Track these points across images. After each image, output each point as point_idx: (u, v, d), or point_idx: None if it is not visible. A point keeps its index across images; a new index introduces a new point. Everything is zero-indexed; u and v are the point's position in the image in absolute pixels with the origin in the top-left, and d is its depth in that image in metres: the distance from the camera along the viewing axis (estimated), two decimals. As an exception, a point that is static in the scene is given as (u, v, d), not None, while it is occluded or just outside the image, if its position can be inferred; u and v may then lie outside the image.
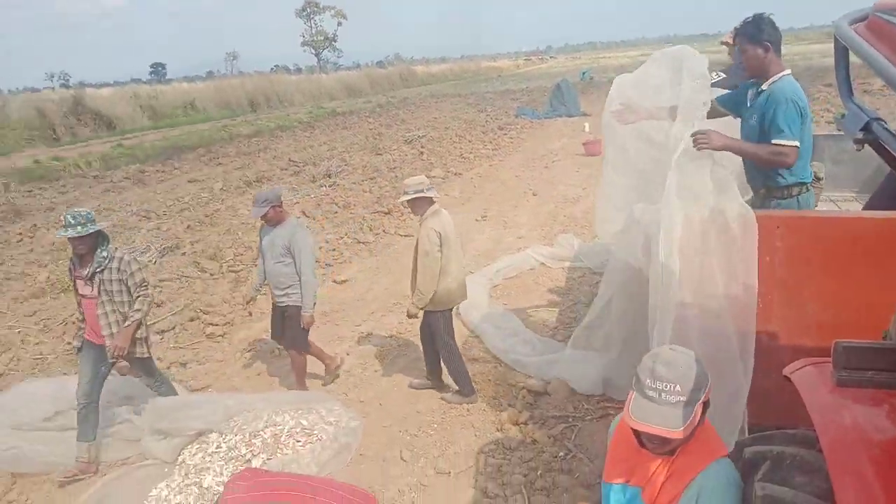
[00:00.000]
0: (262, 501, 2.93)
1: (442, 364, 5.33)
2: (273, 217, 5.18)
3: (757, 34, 3.66)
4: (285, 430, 4.59)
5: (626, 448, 2.14)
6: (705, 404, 1.95)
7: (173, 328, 7.20)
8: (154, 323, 7.34)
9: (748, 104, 3.91)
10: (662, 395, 1.88)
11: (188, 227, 11.67)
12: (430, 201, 4.95)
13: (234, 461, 4.33)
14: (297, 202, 12.53)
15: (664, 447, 1.98)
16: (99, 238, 4.50)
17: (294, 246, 5.10)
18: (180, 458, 4.56)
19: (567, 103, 25.54)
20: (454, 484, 4.26)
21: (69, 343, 6.95)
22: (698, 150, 3.42)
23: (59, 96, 32.97)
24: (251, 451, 4.41)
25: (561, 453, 4.40)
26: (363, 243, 10.00)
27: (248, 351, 6.53)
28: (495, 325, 6.48)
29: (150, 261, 9.53)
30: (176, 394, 5.17)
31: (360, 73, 63.70)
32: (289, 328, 5.33)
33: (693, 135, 3.44)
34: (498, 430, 4.80)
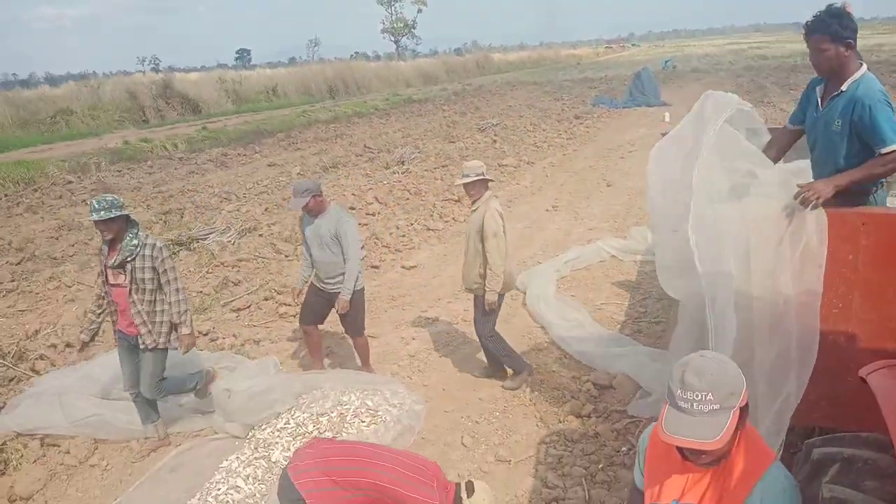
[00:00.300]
0: (327, 466, 3.04)
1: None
2: (314, 207, 5.15)
3: (840, 31, 3.29)
4: (351, 410, 4.70)
5: (668, 462, 2.04)
6: (743, 409, 1.85)
7: (249, 307, 7.46)
8: (231, 301, 7.63)
9: (818, 105, 3.58)
10: (695, 405, 1.79)
11: (266, 209, 12.03)
12: (487, 185, 5.06)
13: (301, 437, 4.47)
14: (371, 188, 12.71)
15: (707, 458, 1.89)
16: (127, 225, 4.44)
17: (340, 232, 5.12)
18: (250, 434, 4.75)
19: (647, 92, 24.97)
20: (514, 472, 4.28)
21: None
22: (812, 208, 3.11)
23: (150, 80, 34.36)
24: (318, 428, 4.55)
25: (624, 448, 4.34)
26: (432, 230, 10.08)
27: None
28: (561, 315, 6.44)
29: (229, 241, 9.89)
30: (180, 390, 5.04)
31: (437, 60, 63.93)
32: (345, 315, 5.37)
33: (797, 195, 3.16)
34: (560, 422, 4.78)
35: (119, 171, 17.61)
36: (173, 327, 4.69)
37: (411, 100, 35.51)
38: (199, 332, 6.69)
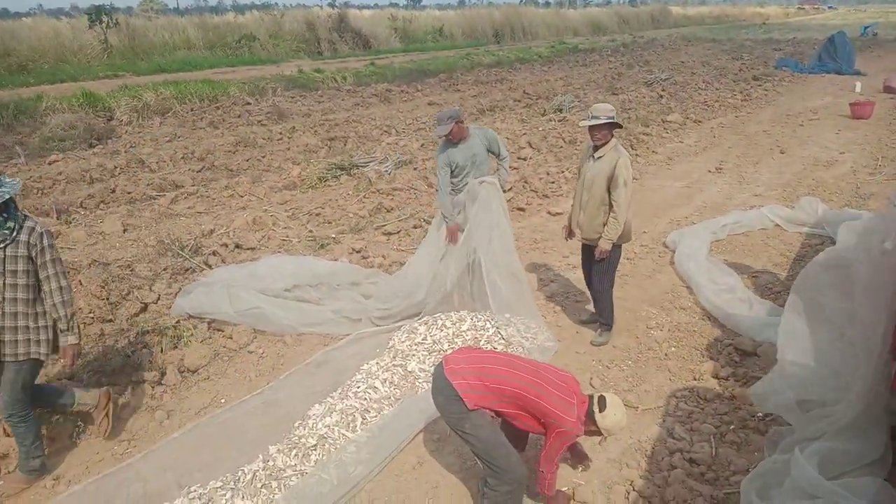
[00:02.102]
0: (480, 372, 3.23)
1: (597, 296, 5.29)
2: (457, 133, 5.28)
3: None
4: (485, 336, 4.86)
5: None
6: None
7: (398, 232, 7.78)
8: (383, 225, 7.99)
9: None
10: None
11: (422, 145, 12.35)
12: (613, 132, 4.78)
13: (435, 354, 4.71)
14: (525, 133, 12.65)
15: None
16: (3, 205, 3.49)
17: (490, 140, 5.47)
18: (390, 343, 5.05)
19: (839, 58, 22.61)
20: (639, 419, 4.26)
21: (310, 231, 7.86)
22: None
23: (327, 14, 35.74)
24: (452, 348, 4.75)
25: (759, 413, 4.17)
26: (584, 180, 9.90)
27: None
28: (711, 278, 6.18)
29: (386, 170, 10.29)
30: (52, 403, 4.09)
31: (609, 10, 61.29)
32: None
33: None
34: (695, 380, 4.67)
35: (292, 98, 18.65)
36: (54, 335, 3.77)
37: (577, 49, 34.53)
38: (353, 249, 7.11)
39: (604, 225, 4.85)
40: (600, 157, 4.78)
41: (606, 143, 4.77)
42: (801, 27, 56.02)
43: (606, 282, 5.14)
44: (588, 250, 5.18)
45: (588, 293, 5.59)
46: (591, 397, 3.27)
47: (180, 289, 6.14)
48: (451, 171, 5.44)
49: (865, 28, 42.68)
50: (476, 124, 5.91)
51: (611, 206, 4.79)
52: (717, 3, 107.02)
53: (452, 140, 5.34)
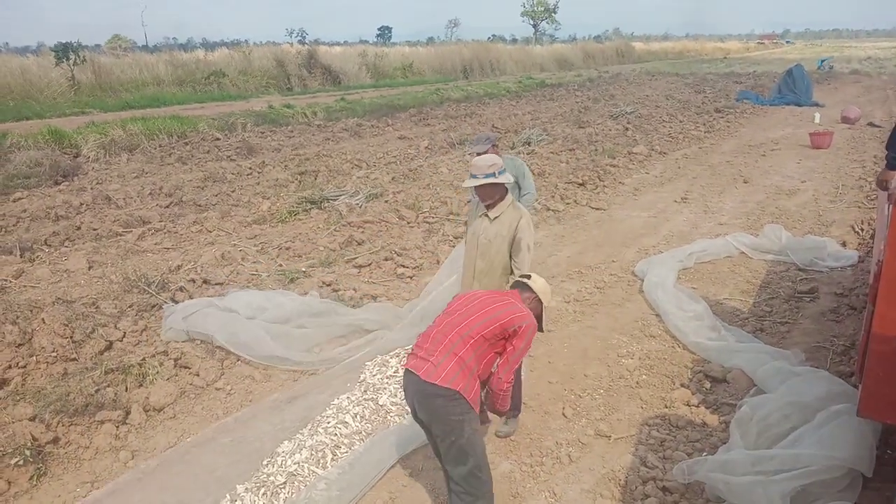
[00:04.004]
0: (445, 351, 3.12)
1: None
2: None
3: None
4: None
5: None
6: None
7: (370, 265, 7.75)
8: (354, 258, 7.96)
9: None
10: None
11: (393, 178, 12.39)
12: (505, 189, 4.05)
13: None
14: (496, 165, 12.75)
15: None
16: None
17: (519, 173, 5.63)
18: (361, 377, 5.00)
19: (798, 90, 23.34)
20: (612, 448, 4.25)
21: (280, 265, 7.79)
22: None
23: (297, 51, 36.06)
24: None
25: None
26: (552, 211, 10.01)
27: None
28: (679, 306, 6.24)
29: (357, 203, 10.29)
30: None
31: (574, 46, 62.65)
32: None
33: None
34: (666, 407, 4.68)
35: (262, 133, 18.65)
36: None
37: (544, 84, 35.16)
38: (323, 283, 7.07)
39: None
40: (497, 216, 4.04)
41: (499, 201, 4.04)
42: (761, 61, 57.86)
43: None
44: None
45: None
46: (516, 283, 3.63)
47: (146, 326, 6.04)
48: None
49: (822, 61, 44.28)
50: (510, 153, 6.14)
51: (513, 273, 4.11)
52: (678, 39, 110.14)
53: None
